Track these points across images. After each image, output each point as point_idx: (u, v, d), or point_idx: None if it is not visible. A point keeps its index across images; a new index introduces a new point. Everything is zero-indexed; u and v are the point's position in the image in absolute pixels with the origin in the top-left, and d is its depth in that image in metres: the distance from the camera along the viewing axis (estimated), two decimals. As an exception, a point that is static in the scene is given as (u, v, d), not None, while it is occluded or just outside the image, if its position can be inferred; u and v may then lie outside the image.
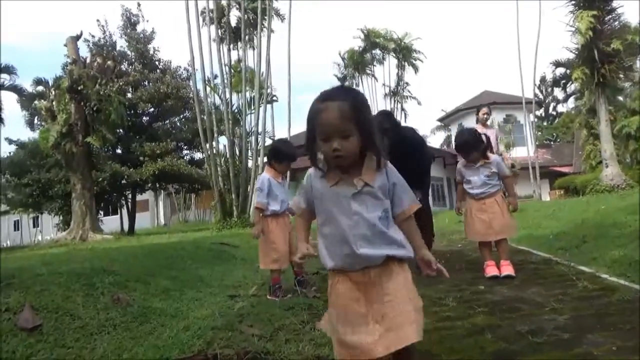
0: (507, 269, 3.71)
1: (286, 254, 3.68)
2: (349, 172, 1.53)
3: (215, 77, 17.77)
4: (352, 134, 1.46)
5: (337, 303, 1.55)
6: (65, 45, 15.07)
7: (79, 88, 13.80)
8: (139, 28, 22.96)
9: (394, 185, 1.58)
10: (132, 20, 22.90)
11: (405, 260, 1.59)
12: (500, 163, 4.02)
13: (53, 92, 14.93)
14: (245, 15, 17.26)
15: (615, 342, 2.07)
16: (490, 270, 3.78)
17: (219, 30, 16.98)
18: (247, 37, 17.82)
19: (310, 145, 1.54)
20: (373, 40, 28.77)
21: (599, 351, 1.99)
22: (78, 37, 15.34)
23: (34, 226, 35.50)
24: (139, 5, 26.72)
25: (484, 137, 4.02)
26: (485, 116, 6.79)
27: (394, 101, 30.56)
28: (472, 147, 3.90)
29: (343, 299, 1.54)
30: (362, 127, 1.48)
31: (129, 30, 22.68)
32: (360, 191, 1.51)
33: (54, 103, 14.54)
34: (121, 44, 22.86)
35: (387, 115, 4.55)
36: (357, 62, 29.33)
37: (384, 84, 30.67)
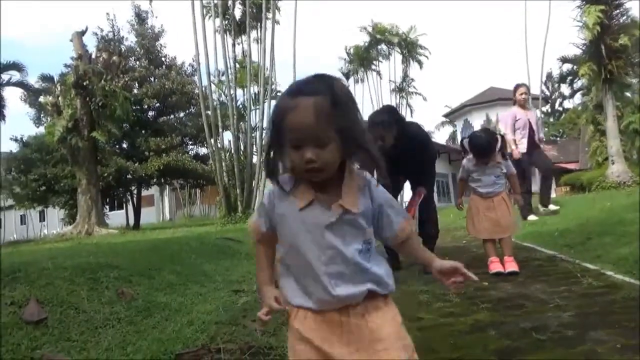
0: (511, 265, 3.71)
1: None
2: (325, 190, 1.16)
3: (223, 74, 17.80)
4: (332, 141, 1.11)
5: (305, 348, 1.18)
6: (71, 40, 15.12)
7: (85, 83, 13.86)
8: (148, 24, 23.04)
9: (380, 207, 1.23)
10: (142, 17, 22.98)
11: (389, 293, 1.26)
12: (508, 162, 4.05)
13: (59, 88, 15.01)
14: (250, 9, 17.23)
15: (619, 340, 2.05)
16: (495, 266, 3.77)
17: (223, 22, 16.96)
18: (251, 31, 17.79)
19: (274, 152, 1.19)
20: (379, 36, 28.66)
21: (602, 349, 1.98)
22: (83, 33, 15.39)
23: (40, 220, 35.75)
24: (150, 2, 26.85)
25: (499, 138, 4.02)
26: (523, 96, 6.19)
27: (400, 97, 30.47)
28: (490, 151, 3.88)
29: (314, 340, 1.16)
30: (346, 130, 1.12)
31: (137, 27, 22.76)
32: (339, 219, 1.15)
33: (59, 98, 14.62)
34: (130, 39, 22.97)
35: (391, 110, 4.53)
36: (363, 58, 29.24)
37: (390, 80, 30.59)
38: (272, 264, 1.32)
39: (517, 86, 6.75)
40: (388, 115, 4.09)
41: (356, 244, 1.18)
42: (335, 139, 1.11)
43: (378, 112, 4.39)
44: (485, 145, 3.92)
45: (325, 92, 1.11)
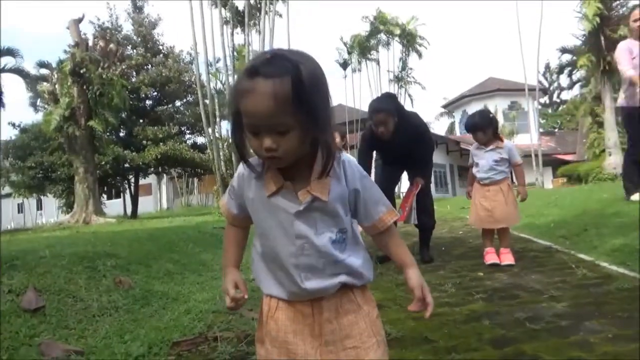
0: (507, 258, 3.71)
1: None
2: (293, 176, 1.07)
3: (218, 60, 17.70)
4: (293, 128, 0.99)
5: (277, 339, 1.12)
6: (68, 28, 14.99)
7: (82, 71, 13.76)
8: (145, 12, 22.87)
9: (355, 192, 1.12)
10: (138, 4, 22.79)
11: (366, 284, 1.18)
12: (513, 149, 3.89)
13: (56, 75, 14.91)
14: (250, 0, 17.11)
15: (612, 330, 2.08)
16: (490, 257, 3.78)
17: (223, 11, 16.84)
18: (252, 22, 17.68)
19: (236, 134, 1.07)
20: (381, 26, 28.50)
21: (595, 339, 2.00)
22: (80, 20, 15.25)
23: (37, 209, 35.73)
24: None
25: (492, 118, 3.99)
26: (638, 24, 4.92)
27: (399, 86, 30.39)
28: (478, 126, 3.86)
29: (284, 333, 1.11)
30: (310, 115, 0.98)
31: (133, 15, 22.59)
32: (308, 207, 1.06)
33: (56, 86, 14.53)
34: (126, 28, 22.81)
35: (391, 97, 4.51)
36: (363, 47, 29.11)
37: (388, 70, 30.49)
38: (241, 246, 1.26)
39: (634, 7, 5.59)
40: (389, 102, 4.07)
41: (329, 233, 1.10)
42: (296, 127, 0.98)
43: (378, 99, 4.37)
44: (476, 120, 3.92)
45: (286, 73, 0.96)
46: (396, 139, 3.91)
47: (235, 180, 1.17)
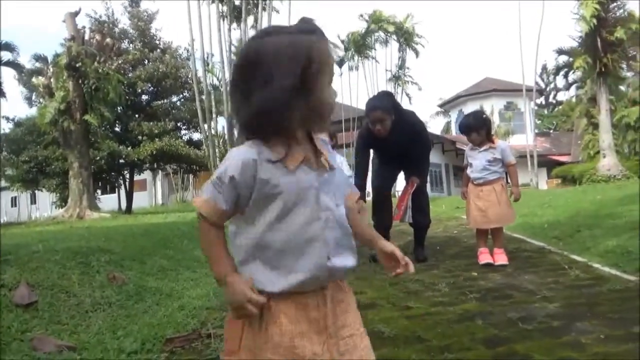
0: (501, 258, 3.73)
1: None
2: (301, 146, 1.06)
3: (214, 56, 17.65)
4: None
5: (281, 345, 1.02)
6: (64, 21, 14.89)
7: (77, 65, 13.68)
8: (142, 6, 22.75)
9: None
10: (135, -1, 22.67)
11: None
12: (506, 149, 3.92)
13: (51, 69, 14.82)
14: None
15: (604, 330, 2.09)
16: (484, 257, 3.80)
17: (219, 5, 16.76)
18: (248, 17, 17.62)
19: (296, 102, 1.01)
20: (373, 26, 28.47)
21: (587, 339, 2.02)
22: (77, 14, 15.14)
23: (31, 203, 35.53)
24: None
25: (485, 119, 4.01)
26: None
27: (396, 85, 30.38)
28: (471, 128, 3.88)
29: (289, 338, 1.02)
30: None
31: (131, 9, 22.46)
32: (329, 177, 1.07)
33: (51, 80, 14.45)
34: (123, 22, 22.68)
35: (388, 95, 4.51)
36: (359, 45, 29.07)
37: (386, 70, 30.48)
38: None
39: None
40: (386, 101, 4.07)
41: (341, 204, 1.10)
42: None
43: (375, 97, 4.38)
44: (469, 121, 3.94)
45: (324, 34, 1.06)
46: (393, 138, 3.91)
47: (234, 169, 1.03)
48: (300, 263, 1.03)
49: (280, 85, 0.99)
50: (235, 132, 15.93)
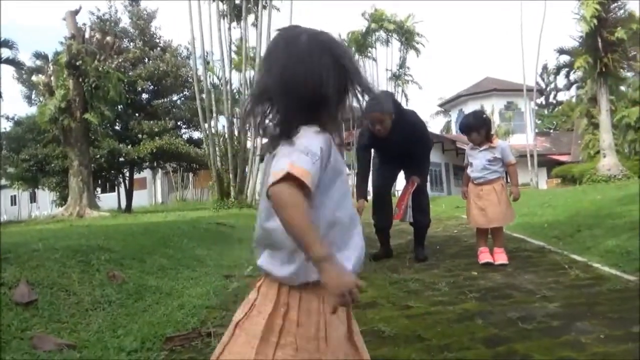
0: (501, 257, 3.73)
1: None
2: None
3: (213, 54, 17.60)
4: None
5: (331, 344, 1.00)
6: (64, 19, 14.88)
7: (78, 63, 13.68)
8: (142, 5, 22.74)
9: None
10: (136, -3, 22.65)
11: None
12: (506, 149, 3.93)
13: (51, 67, 14.82)
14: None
15: (603, 330, 2.10)
16: (484, 257, 3.80)
17: (219, 3, 16.72)
18: (248, 15, 17.59)
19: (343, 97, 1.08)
20: (374, 25, 28.44)
21: (587, 339, 2.02)
22: (77, 12, 15.14)
23: (31, 201, 35.51)
24: None
25: (486, 119, 4.01)
26: None
27: (396, 84, 30.36)
28: (472, 127, 3.88)
29: (337, 337, 1.02)
30: None
31: (131, 7, 22.45)
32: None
33: (52, 78, 14.45)
34: (124, 20, 22.67)
35: (387, 96, 4.51)
36: (360, 44, 29.05)
37: (387, 69, 30.45)
38: None
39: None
40: (386, 100, 4.06)
41: None
42: None
43: (375, 97, 4.36)
44: (469, 121, 3.95)
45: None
46: (393, 137, 3.91)
47: (321, 144, 1.00)
48: (355, 242, 1.05)
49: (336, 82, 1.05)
50: (236, 131, 15.94)
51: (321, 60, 1.05)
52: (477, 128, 3.86)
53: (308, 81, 1.03)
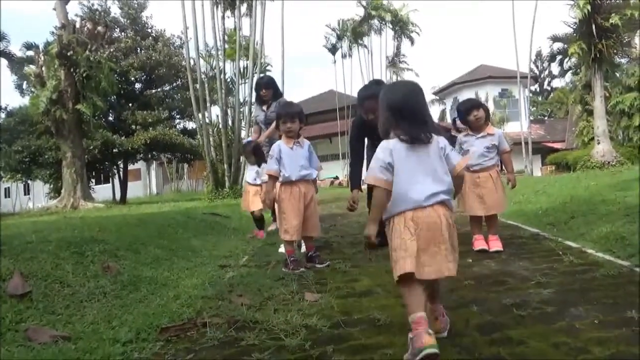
0: (496, 244, 3.74)
1: (298, 225, 3.58)
2: None
3: (207, 44, 17.46)
4: None
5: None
6: (54, 9, 14.67)
7: (69, 54, 13.51)
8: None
9: None
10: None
11: None
12: (502, 137, 3.93)
13: (42, 58, 14.63)
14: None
15: (597, 316, 2.11)
16: (479, 244, 3.81)
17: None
18: (242, 5, 17.42)
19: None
20: (373, 12, 28.28)
21: (581, 324, 2.03)
22: (67, 1, 14.92)
23: (25, 193, 35.33)
24: None
25: (484, 106, 3.99)
26: None
27: (392, 73, 30.26)
28: (473, 106, 3.87)
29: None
30: None
31: (122, -3, 22.18)
32: None
33: (43, 69, 14.28)
34: (115, 10, 22.40)
35: (379, 84, 4.48)
36: (355, 33, 28.90)
37: (386, 56, 30.34)
38: None
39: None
40: (377, 89, 4.04)
41: None
42: None
43: (366, 86, 4.33)
44: (465, 104, 3.95)
45: None
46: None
47: (386, 154, 1.97)
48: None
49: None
50: (230, 121, 15.85)
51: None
52: (479, 106, 3.85)
53: None
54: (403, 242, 1.89)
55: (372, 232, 1.97)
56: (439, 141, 2.02)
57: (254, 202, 5.43)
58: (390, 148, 1.98)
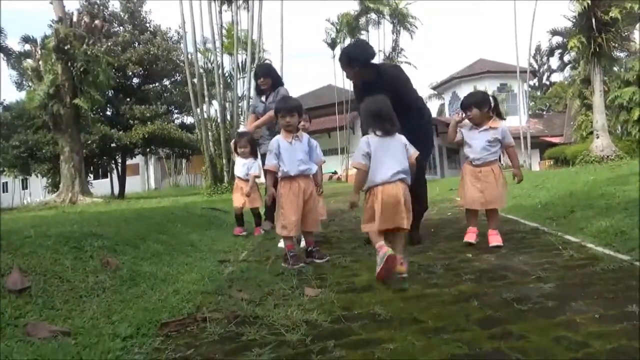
0: (495, 239, 3.72)
1: (297, 221, 3.55)
2: None
3: (204, 38, 17.38)
4: None
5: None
6: (51, 2, 14.58)
7: (66, 48, 13.44)
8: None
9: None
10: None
11: None
12: (506, 131, 3.87)
13: (40, 52, 14.56)
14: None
15: (598, 310, 2.10)
16: (469, 237, 3.80)
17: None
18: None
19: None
20: (371, 5, 28.12)
21: (581, 319, 2.03)
22: (64, -6, 14.82)
23: (23, 188, 35.28)
24: None
25: (491, 99, 3.93)
26: None
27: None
28: (474, 103, 3.82)
29: None
30: None
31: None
32: None
33: (40, 63, 14.21)
34: (113, 4, 22.28)
35: (357, 47, 4.44)
36: (352, 27, 28.75)
37: (380, 50, 30.21)
38: None
39: None
40: (362, 50, 4.08)
41: None
42: None
43: (351, 45, 4.54)
44: (474, 96, 3.91)
45: None
46: (375, 88, 3.61)
47: (366, 146, 2.97)
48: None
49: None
50: (228, 116, 15.81)
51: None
52: (480, 105, 3.80)
53: None
54: (372, 204, 2.95)
55: (354, 199, 3.09)
56: (402, 139, 3.05)
57: (251, 199, 5.32)
58: (368, 142, 2.98)
